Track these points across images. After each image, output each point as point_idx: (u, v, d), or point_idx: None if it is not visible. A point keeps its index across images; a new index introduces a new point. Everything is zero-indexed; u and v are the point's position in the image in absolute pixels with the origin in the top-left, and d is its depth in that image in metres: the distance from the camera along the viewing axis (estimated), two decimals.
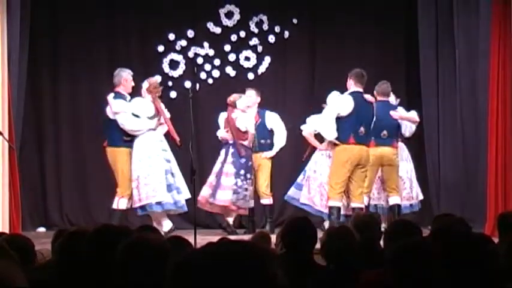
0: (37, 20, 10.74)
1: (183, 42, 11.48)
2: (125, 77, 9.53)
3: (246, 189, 10.04)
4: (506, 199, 9.46)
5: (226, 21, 11.54)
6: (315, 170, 10.26)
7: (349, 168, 8.99)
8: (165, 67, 11.45)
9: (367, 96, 9.25)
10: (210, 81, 11.50)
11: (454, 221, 4.87)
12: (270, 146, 10.46)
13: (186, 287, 1.58)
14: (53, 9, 11.25)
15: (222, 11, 11.52)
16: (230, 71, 11.54)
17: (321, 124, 9.29)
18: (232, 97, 10.21)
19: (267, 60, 11.60)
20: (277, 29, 11.58)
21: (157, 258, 2.93)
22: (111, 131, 9.42)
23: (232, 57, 11.55)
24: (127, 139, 9.43)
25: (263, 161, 10.37)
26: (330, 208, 9.16)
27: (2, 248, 3.46)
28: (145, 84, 9.64)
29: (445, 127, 10.93)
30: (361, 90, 9.14)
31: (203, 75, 11.46)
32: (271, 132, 10.50)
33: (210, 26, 11.50)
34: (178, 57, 11.48)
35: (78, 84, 11.26)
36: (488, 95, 9.68)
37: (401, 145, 10.04)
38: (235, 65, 11.55)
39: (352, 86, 9.13)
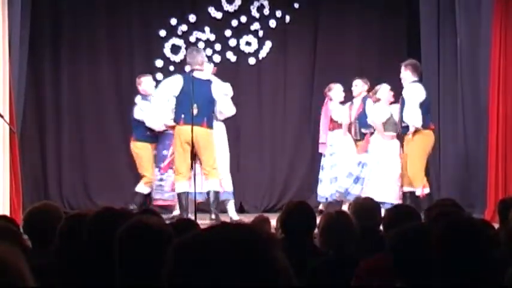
0: (38, 5, 10.70)
1: (184, 27, 11.46)
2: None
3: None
4: (507, 185, 9.46)
5: (227, 6, 11.50)
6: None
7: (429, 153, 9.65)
8: (167, 51, 11.43)
9: None
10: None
11: (447, 205, 4.88)
12: None
13: (185, 269, 1.57)
14: None
15: None
16: (231, 56, 11.52)
17: (409, 114, 9.49)
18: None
19: (268, 45, 11.57)
20: (278, 13, 11.54)
21: (157, 242, 2.92)
22: None
23: (233, 42, 11.52)
24: None
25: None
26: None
27: (7, 230, 3.45)
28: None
29: (445, 114, 10.91)
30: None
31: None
32: None
33: (211, 10, 11.47)
34: (179, 42, 11.46)
35: (79, 69, 11.25)
36: (489, 82, 9.67)
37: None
38: (236, 50, 11.53)
39: (410, 76, 9.59)
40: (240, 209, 11.28)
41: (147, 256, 2.88)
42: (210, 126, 9.19)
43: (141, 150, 9.85)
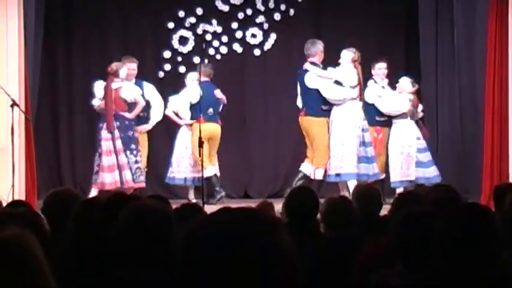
0: (51, 2, 10.66)
1: (192, 19, 11.43)
2: (321, 48, 9.85)
3: (136, 162, 9.76)
4: (501, 171, 9.45)
5: (233, 0, 11.48)
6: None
7: None
8: (175, 43, 11.41)
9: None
10: (218, 57, 11.46)
11: (444, 191, 4.88)
12: (147, 120, 10.13)
13: (197, 255, 1.56)
14: None
15: None
16: (237, 47, 11.50)
17: None
18: (114, 65, 9.80)
19: (273, 37, 11.55)
20: (282, 7, 11.52)
21: (157, 224, 2.91)
22: (310, 100, 9.68)
23: (239, 34, 11.50)
24: (325, 108, 9.65)
25: (141, 135, 9.99)
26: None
27: (27, 215, 3.45)
28: (349, 55, 9.80)
29: (443, 102, 10.90)
30: None
31: (211, 51, 11.42)
32: (148, 104, 10.12)
33: (218, 4, 11.44)
34: (187, 34, 11.44)
35: (91, 59, 11.22)
36: (486, 70, 9.64)
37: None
38: (242, 41, 11.51)
39: None
40: (245, 195, 11.32)
41: (147, 238, 2.86)
42: None
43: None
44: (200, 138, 9.07)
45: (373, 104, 9.99)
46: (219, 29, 11.47)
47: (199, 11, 11.44)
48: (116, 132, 9.61)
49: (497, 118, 9.53)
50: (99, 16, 11.28)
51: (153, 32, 11.43)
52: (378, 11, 11.53)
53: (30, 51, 9.67)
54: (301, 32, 11.53)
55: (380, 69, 10.14)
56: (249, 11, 11.49)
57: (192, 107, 9.96)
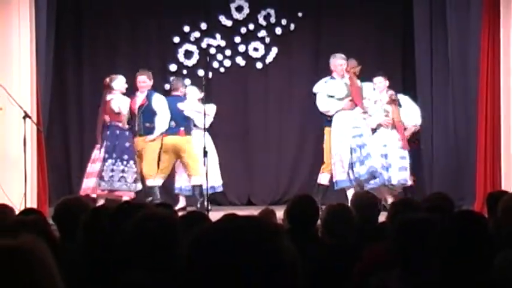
0: (61, 16, 10.69)
1: (197, 34, 11.46)
2: (334, 62, 10.04)
3: (123, 171, 9.72)
4: (494, 178, 9.44)
5: (236, 15, 11.51)
6: None
7: None
8: (180, 57, 11.44)
9: None
10: (222, 70, 11.49)
11: (440, 199, 4.88)
12: (153, 130, 9.99)
13: (201, 261, 1.57)
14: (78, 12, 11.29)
15: (233, 5, 11.49)
16: (240, 60, 11.52)
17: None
18: (109, 78, 9.90)
19: (274, 50, 11.57)
20: (283, 21, 11.54)
21: (163, 232, 2.90)
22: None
23: (242, 48, 11.52)
24: (330, 119, 9.90)
25: (148, 144, 9.94)
26: None
27: (37, 223, 3.44)
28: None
29: (438, 111, 10.88)
30: None
31: (215, 65, 11.45)
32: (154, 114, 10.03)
33: (222, 19, 11.47)
34: (192, 48, 11.46)
35: (99, 72, 11.18)
36: (479, 78, 9.64)
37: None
38: (245, 55, 11.53)
39: None
40: (248, 202, 11.33)
41: (153, 246, 2.85)
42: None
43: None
44: (204, 147, 9.10)
45: None
46: (223, 43, 11.49)
47: (203, 26, 11.47)
48: (104, 142, 9.78)
49: (489, 127, 9.52)
50: (108, 32, 11.32)
51: (160, 46, 11.46)
52: (376, 25, 11.53)
53: (42, 56, 9.65)
54: (301, 46, 11.58)
55: (375, 84, 10.19)
56: (251, 26, 11.52)
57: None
